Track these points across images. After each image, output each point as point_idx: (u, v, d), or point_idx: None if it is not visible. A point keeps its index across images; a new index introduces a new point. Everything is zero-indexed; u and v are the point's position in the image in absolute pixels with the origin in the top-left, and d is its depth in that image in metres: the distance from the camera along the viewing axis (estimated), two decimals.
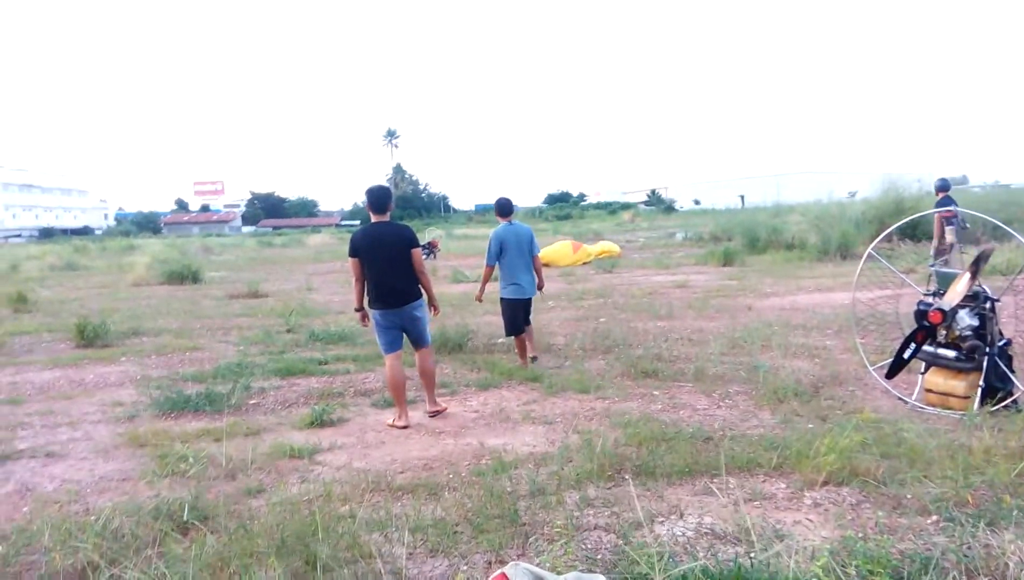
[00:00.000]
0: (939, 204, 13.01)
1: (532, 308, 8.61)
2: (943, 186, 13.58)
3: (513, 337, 8.57)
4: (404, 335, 6.57)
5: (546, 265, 23.13)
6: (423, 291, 6.55)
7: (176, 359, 9.70)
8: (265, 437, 6.04)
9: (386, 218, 6.49)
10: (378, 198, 6.46)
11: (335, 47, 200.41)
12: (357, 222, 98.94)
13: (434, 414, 6.58)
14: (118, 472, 5.34)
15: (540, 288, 8.49)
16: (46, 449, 5.96)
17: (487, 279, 8.50)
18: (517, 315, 8.37)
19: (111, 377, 8.72)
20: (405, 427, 6.30)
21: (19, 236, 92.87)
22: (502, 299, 8.42)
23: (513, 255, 8.27)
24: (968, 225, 6.66)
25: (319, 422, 6.36)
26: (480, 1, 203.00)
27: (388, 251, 6.34)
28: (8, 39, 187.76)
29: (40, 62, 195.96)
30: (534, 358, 8.55)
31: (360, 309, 6.57)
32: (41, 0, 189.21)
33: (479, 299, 8.77)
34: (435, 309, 6.88)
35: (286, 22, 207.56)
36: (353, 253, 6.41)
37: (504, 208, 8.43)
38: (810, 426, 5.61)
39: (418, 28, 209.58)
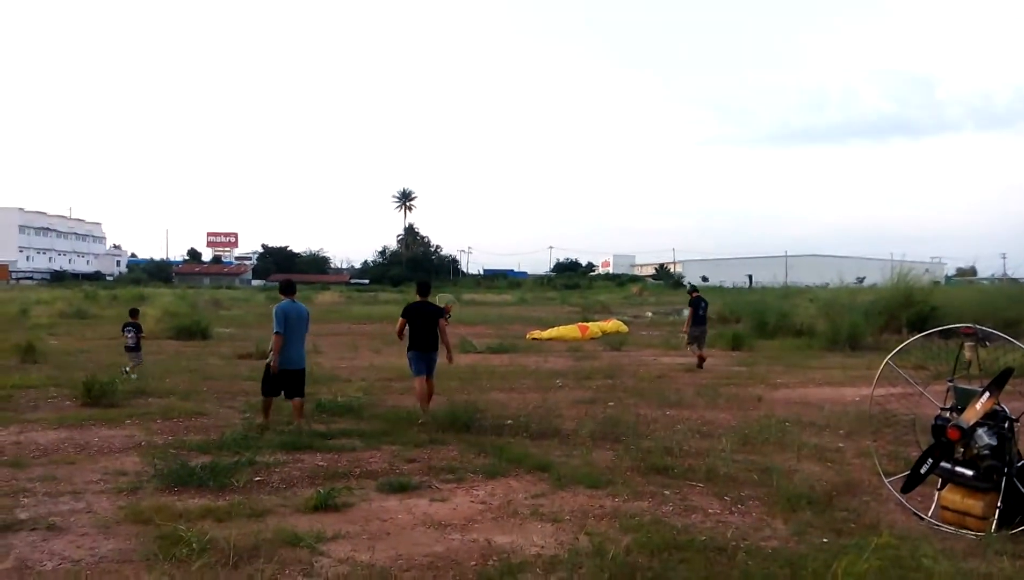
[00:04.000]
0: (691, 302, 17.25)
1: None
2: (693, 289, 18.71)
3: (267, 397, 9.51)
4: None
5: (556, 339, 23.14)
6: (440, 344, 10.23)
7: (182, 425, 9.64)
8: (268, 520, 5.93)
9: (427, 298, 10.59)
10: (424, 286, 10.82)
11: (355, 105, 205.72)
12: (367, 281, 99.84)
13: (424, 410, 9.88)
14: (119, 552, 5.24)
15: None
16: (47, 521, 5.86)
17: (279, 348, 9.24)
18: (281, 382, 9.34)
19: (116, 441, 8.65)
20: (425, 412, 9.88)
21: (31, 278, 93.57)
22: (279, 368, 9.28)
23: (293, 329, 9.35)
24: (988, 342, 6.63)
25: (323, 506, 6.25)
26: (502, 74, 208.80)
27: (426, 319, 10.25)
28: (31, 88, 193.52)
29: (63, 110, 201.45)
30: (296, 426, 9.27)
31: (400, 335, 10.35)
32: (64, 49, 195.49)
33: (274, 370, 9.28)
34: (449, 358, 10.57)
35: (308, 80, 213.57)
36: (405, 315, 10.34)
37: (287, 287, 9.98)
38: (824, 540, 5.50)
39: (438, 94, 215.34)
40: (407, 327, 10.20)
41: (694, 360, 16.39)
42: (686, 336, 17.58)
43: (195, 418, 10.09)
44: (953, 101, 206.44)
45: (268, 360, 9.44)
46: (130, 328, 13.93)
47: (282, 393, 9.45)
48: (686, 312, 18.27)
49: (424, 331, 10.16)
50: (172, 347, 19.45)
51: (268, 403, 9.55)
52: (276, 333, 9.26)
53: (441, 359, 10.38)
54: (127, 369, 13.17)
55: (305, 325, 9.61)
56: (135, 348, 13.76)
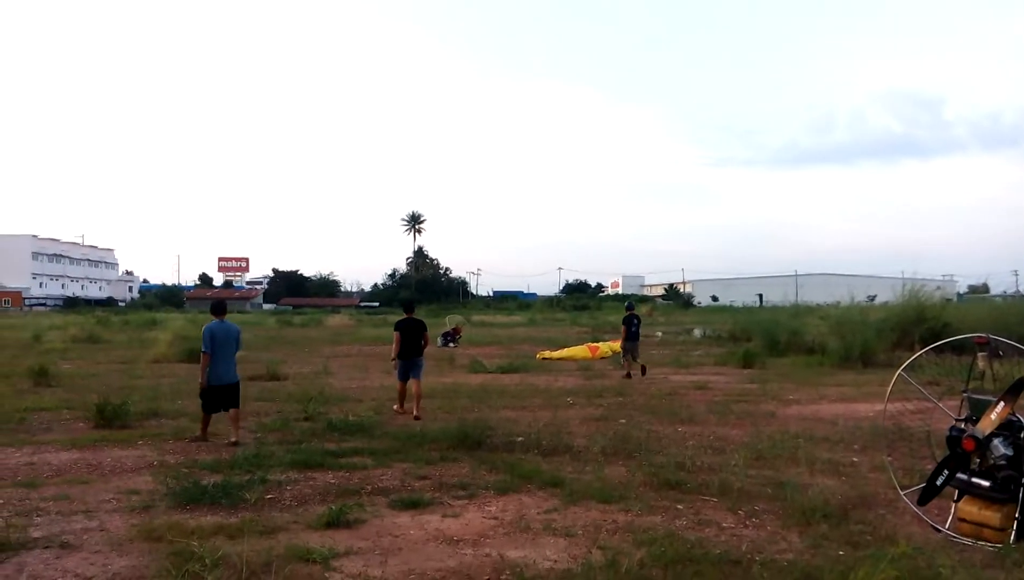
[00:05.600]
0: (625, 320, 18.70)
1: (240, 392, 10.28)
2: (629, 306, 19.84)
3: (206, 414, 10.02)
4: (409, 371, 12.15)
5: (566, 359, 23.10)
6: (423, 351, 12.34)
7: (193, 445, 9.67)
8: (280, 537, 5.92)
9: (413, 314, 12.65)
10: (409, 305, 13.35)
11: (364, 130, 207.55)
12: (376, 303, 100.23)
13: (416, 418, 11.54)
14: (131, 570, 5.24)
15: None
16: (60, 539, 5.87)
17: (206, 366, 9.90)
18: (217, 398, 9.87)
19: (128, 462, 8.68)
20: (403, 413, 11.93)
21: (44, 305, 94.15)
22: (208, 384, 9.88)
23: (221, 347, 9.89)
24: (1002, 352, 6.58)
25: (335, 523, 6.24)
26: (510, 98, 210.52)
27: (414, 332, 12.26)
28: (44, 117, 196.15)
29: (76, 138, 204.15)
30: (235, 442, 9.69)
31: (394, 359, 12.26)
32: (77, 78, 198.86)
33: (203, 386, 9.97)
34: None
35: (318, 105, 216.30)
36: (396, 329, 12.27)
37: (217, 308, 10.44)
38: (840, 553, 5.45)
39: (447, 118, 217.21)
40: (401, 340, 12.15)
41: (701, 377, 16.32)
42: (622, 350, 19.12)
43: (207, 439, 10.09)
44: (960, 121, 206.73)
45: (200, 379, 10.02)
46: None
47: (221, 408, 9.95)
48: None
49: (410, 342, 12.14)
50: (183, 370, 19.46)
51: (206, 419, 10.03)
52: (203, 352, 9.91)
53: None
54: None
55: (235, 344, 10.14)
56: None
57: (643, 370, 18.01)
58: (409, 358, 12.09)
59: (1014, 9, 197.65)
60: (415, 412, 11.72)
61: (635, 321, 18.73)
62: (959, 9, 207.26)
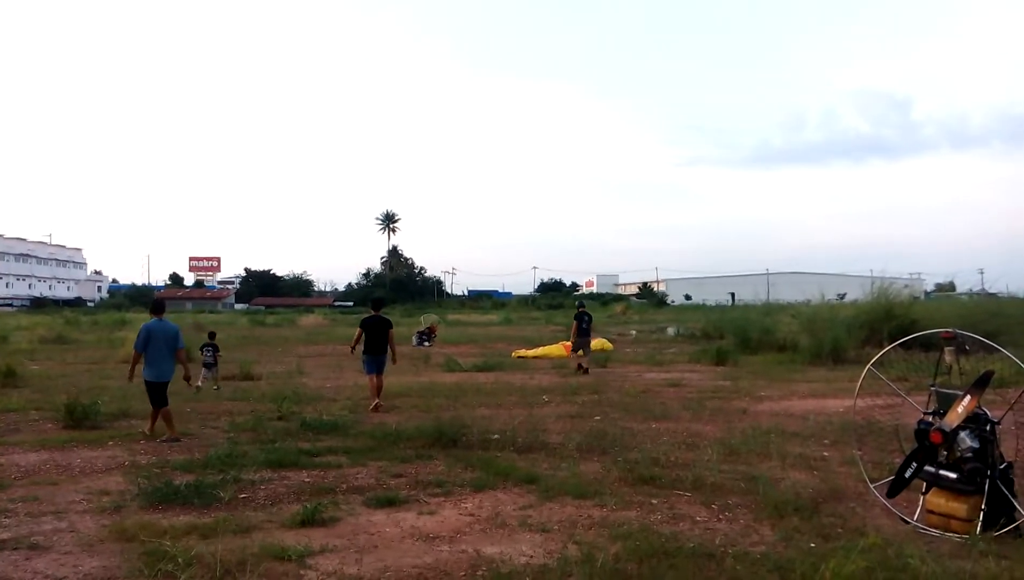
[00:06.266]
0: (576, 317, 19.45)
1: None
2: (580, 305, 20.63)
3: (156, 409, 10.05)
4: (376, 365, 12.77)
5: (541, 357, 23.16)
6: (389, 349, 12.89)
7: (165, 445, 9.55)
8: (255, 536, 5.87)
9: (380, 313, 13.34)
10: (377, 302, 14.15)
11: (338, 128, 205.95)
12: (350, 303, 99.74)
13: (376, 407, 12.29)
14: (103, 570, 5.17)
15: (188, 378, 10.81)
16: (29, 540, 5.78)
17: (135, 362, 10.09)
18: (157, 392, 9.97)
19: (99, 462, 8.55)
20: (376, 409, 12.24)
21: (11, 305, 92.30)
22: (146, 381, 10.02)
23: (159, 345, 9.99)
24: (968, 347, 6.71)
25: (310, 521, 6.20)
26: (483, 97, 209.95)
27: (379, 329, 12.95)
28: (9, 114, 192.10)
29: (43, 135, 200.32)
30: (149, 433, 10.06)
31: (352, 349, 13.81)
32: (43, 75, 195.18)
33: (130, 379, 10.31)
34: (394, 360, 13.14)
35: (291, 104, 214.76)
36: (361, 327, 13.04)
37: (156, 306, 10.70)
38: (812, 545, 5.53)
39: (421, 117, 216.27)
40: (363, 336, 12.85)
41: (675, 374, 16.44)
42: (572, 345, 20.11)
43: (179, 438, 9.99)
44: (929, 121, 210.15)
45: (145, 377, 10.06)
46: (208, 348, 15.79)
47: (166, 401, 10.03)
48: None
49: (375, 339, 12.79)
50: None
51: (166, 414, 10.01)
52: (135, 350, 10.13)
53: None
54: (215, 387, 15.18)
55: (173, 341, 10.18)
56: (213, 364, 15.65)
57: (585, 370, 18.48)
58: (375, 354, 12.74)
59: (983, 9, 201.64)
60: (376, 400, 12.43)
61: (585, 318, 19.34)
62: (928, 9, 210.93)
